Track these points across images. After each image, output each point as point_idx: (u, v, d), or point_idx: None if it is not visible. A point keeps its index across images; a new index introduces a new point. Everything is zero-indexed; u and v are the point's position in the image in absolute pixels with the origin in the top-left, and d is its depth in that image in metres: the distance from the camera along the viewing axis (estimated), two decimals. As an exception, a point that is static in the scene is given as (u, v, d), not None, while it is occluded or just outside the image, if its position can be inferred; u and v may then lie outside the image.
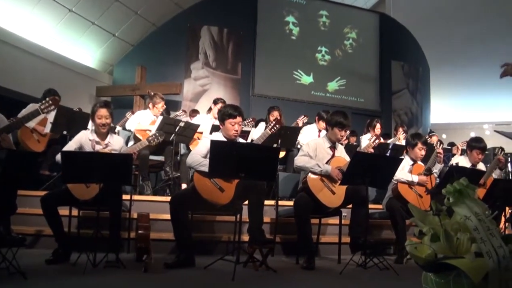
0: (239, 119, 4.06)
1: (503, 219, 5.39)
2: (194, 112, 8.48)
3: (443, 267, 1.71)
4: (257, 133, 5.90)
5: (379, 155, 5.47)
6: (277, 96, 11.20)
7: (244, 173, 3.50)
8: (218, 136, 4.10)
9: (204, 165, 3.77)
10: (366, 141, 5.59)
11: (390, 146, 6.52)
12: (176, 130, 5.77)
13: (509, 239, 1.94)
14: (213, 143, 3.49)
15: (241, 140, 4.30)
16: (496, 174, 5.74)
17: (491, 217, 1.97)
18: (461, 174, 4.75)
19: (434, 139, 8.34)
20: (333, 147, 4.52)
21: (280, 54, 11.71)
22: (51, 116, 5.66)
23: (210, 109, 6.97)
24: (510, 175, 9.96)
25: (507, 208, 5.37)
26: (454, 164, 5.63)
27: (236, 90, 11.06)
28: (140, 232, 3.98)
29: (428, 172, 4.28)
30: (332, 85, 12.29)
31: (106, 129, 4.21)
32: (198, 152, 3.96)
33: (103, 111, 4.17)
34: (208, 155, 3.61)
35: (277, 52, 11.67)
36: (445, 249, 1.68)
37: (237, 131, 4.06)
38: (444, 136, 14.02)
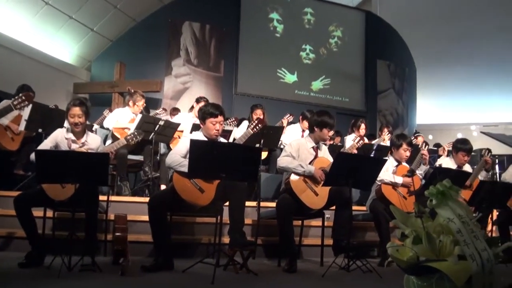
0: (220, 118, 4.06)
1: (490, 221, 5.47)
2: (175, 111, 8.45)
3: (425, 270, 1.73)
4: (239, 132, 5.90)
5: (363, 155, 5.51)
6: (260, 95, 11.19)
7: (225, 173, 3.49)
8: (199, 136, 4.09)
9: (184, 165, 3.76)
10: (350, 141, 5.62)
11: (375, 147, 6.57)
12: (156, 128, 5.73)
13: (493, 242, 1.96)
14: (193, 142, 3.47)
15: (222, 139, 4.29)
16: (482, 176, 5.82)
17: (475, 219, 1.99)
18: (446, 176, 4.81)
19: (419, 140, 8.42)
20: (316, 148, 4.54)
21: (264, 51, 11.72)
22: (25, 114, 5.58)
23: (192, 108, 6.95)
24: (497, 176, 10.11)
25: (494, 211, 5.45)
26: (438, 166, 5.70)
27: (218, 88, 11.04)
28: (117, 234, 3.94)
29: (411, 174, 4.33)
30: (317, 84, 12.34)
31: (80, 128, 4.15)
32: (178, 152, 3.94)
33: (75, 110, 4.10)
34: (188, 155, 3.60)
35: (260, 50, 11.68)
36: (427, 252, 1.70)
37: (218, 130, 4.05)
38: (430, 137, 14.17)
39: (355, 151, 5.23)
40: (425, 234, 1.69)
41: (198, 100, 6.74)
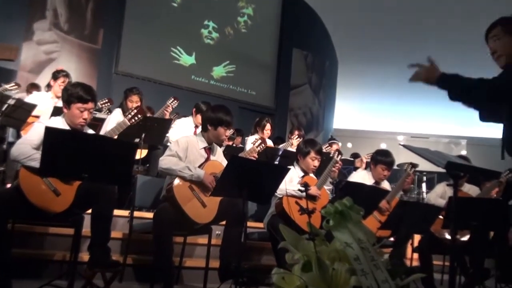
0: (90, 105, 3.97)
1: (410, 248, 5.79)
2: (33, 87, 8.09)
3: (315, 303, 1.80)
4: (112, 122, 5.79)
5: (262, 162, 5.61)
6: (147, 77, 11.06)
7: (89, 173, 3.41)
8: (58, 122, 3.95)
9: (35, 159, 3.61)
10: (251, 144, 5.72)
11: (280, 152, 6.73)
12: (3, 109, 5.50)
13: (397, 273, 2.08)
14: (49, 130, 3.35)
15: (89, 130, 4.19)
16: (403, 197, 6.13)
17: (378, 246, 2.10)
18: (358, 192, 5.02)
19: (334, 148, 8.73)
20: (208, 149, 4.58)
21: (156, 23, 11.60)
22: None
23: (49, 85, 6.72)
24: (423, 196, 10.77)
25: (415, 236, 5.77)
26: (345, 180, 5.95)
27: (94, 63, 10.71)
28: None
29: (304, 188, 4.47)
30: (219, 71, 12.44)
31: None
32: (28, 141, 3.77)
33: None
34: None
35: (152, 21, 11.54)
36: (317, 281, 1.77)
37: (85, 119, 3.96)
38: (349, 145, 14.71)
39: (255, 156, 5.33)
40: (316, 259, 1.76)
41: (55, 76, 6.52)
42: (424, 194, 11.00)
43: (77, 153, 3.38)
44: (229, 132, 4.65)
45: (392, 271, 2.03)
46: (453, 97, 3.20)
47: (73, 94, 3.93)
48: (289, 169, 4.60)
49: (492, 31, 3.26)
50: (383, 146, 14.53)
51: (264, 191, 4.28)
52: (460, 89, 3.17)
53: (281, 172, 4.33)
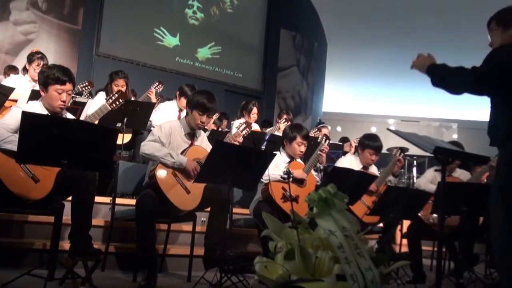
0: (68, 86, 3.96)
1: (399, 234, 5.85)
2: (11, 70, 8.03)
3: (298, 292, 1.83)
4: (93, 106, 5.77)
5: (247, 147, 5.61)
6: (130, 59, 10.97)
7: (68, 159, 3.40)
8: (36, 107, 3.94)
9: (11, 142, 3.62)
10: (235, 128, 5.73)
11: (267, 137, 6.73)
12: (-21, 92, 5.43)
13: (381, 260, 2.11)
14: (26, 115, 3.33)
15: (68, 115, 4.19)
16: (391, 182, 6.18)
17: (362, 233, 2.13)
18: (346, 177, 5.04)
19: (323, 133, 8.75)
20: (192, 134, 4.58)
21: (139, 3, 11.48)
22: None
23: (26, 69, 6.69)
24: (413, 181, 10.84)
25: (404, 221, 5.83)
26: (338, 165, 5.99)
27: (74, 45, 10.61)
28: None
29: (287, 176, 4.49)
30: (204, 52, 12.38)
31: None
32: (5, 125, 3.76)
33: None
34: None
35: (134, 0, 11.43)
36: (300, 270, 1.80)
37: (64, 102, 3.95)
38: (338, 129, 14.78)
39: (240, 140, 5.34)
40: (298, 248, 1.78)
41: (30, 59, 6.51)
42: (415, 179, 11.04)
43: (55, 139, 3.34)
44: (206, 119, 4.58)
45: (376, 259, 2.06)
46: (435, 83, 3.34)
47: (50, 76, 3.91)
48: (275, 154, 4.63)
49: (490, 25, 3.40)
50: (373, 130, 14.57)
51: (249, 177, 4.29)
52: (441, 77, 3.30)
53: (267, 158, 4.35)
